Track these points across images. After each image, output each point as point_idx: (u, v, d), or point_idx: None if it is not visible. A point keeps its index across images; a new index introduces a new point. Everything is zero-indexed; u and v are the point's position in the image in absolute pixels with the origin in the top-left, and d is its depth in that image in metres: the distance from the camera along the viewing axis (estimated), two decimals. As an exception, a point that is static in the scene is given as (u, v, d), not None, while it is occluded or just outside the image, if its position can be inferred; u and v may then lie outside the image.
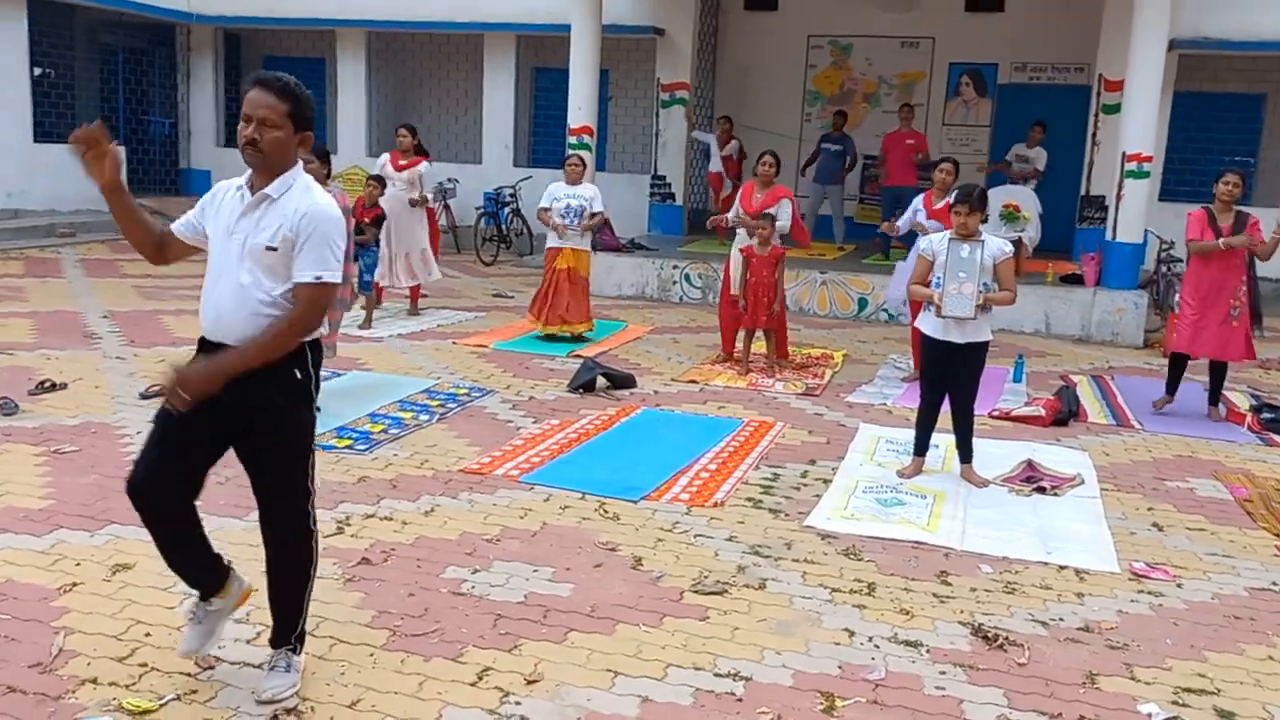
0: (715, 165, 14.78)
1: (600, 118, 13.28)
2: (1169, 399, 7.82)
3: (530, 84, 16.81)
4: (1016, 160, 13.38)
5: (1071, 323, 11.12)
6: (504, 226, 15.18)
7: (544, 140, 16.62)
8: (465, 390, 7.39)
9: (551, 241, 9.32)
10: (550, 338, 9.25)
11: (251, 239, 3.12)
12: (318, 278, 3.12)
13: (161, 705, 3.23)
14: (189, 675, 3.40)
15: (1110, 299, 10.96)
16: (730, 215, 8.88)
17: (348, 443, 5.99)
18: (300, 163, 3.25)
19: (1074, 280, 11.47)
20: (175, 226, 3.30)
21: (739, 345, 8.71)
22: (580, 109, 12.56)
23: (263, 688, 3.30)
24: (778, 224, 8.49)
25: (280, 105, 3.10)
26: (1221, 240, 7.22)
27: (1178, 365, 7.77)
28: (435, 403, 7.01)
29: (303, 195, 3.16)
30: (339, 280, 3.18)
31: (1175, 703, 3.58)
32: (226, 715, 3.20)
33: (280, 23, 16.95)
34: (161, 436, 3.20)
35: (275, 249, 3.11)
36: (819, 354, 9.35)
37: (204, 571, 3.42)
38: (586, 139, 12.52)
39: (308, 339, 3.23)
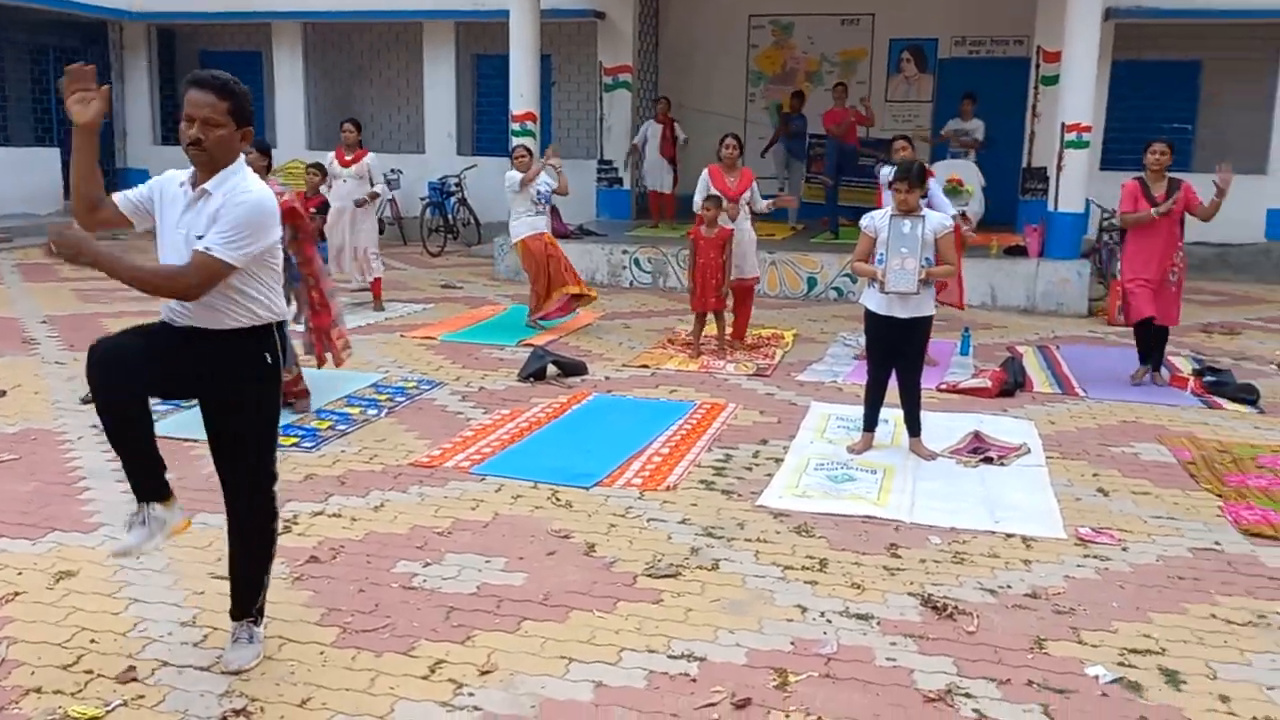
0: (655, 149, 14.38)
1: (544, 103, 13.20)
2: (1146, 369, 7.80)
3: (471, 72, 16.67)
4: (955, 135, 13.48)
5: (1016, 294, 11.25)
6: (450, 216, 15.07)
7: (488, 128, 16.50)
8: (414, 383, 7.33)
9: (541, 227, 9.33)
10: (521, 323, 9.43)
11: (192, 232, 3.20)
12: (208, 249, 3.13)
13: (108, 712, 3.18)
14: (135, 681, 3.35)
15: (1054, 269, 11.09)
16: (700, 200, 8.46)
17: (294, 440, 5.91)
18: (242, 157, 3.33)
19: (1018, 252, 11.59)
20: (117, 197, 3.32)
21: (687, 329, 8.71)
22: (522, 95, 12.50)
23: (227, 660, 3.46)
24: (757, 207, 8.62)
25: (220, 104, 3.17)
26: (1154, 209, 7.34)
27: (1143, 333, 7.75)
28: (383, 397, 6.95)
29: (237, 184, 3.22)
30: (232, 265, 3.15)
31: (1121, 664, 3.63)
32: (174, 720, 3.16)
33: (214, 17, 16.67)
34: (147, 333, 3.26)
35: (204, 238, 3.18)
36: (770, 334, 9.38)
37: (151, 474, 3.29)
38: (530, 125, 12.46)
39: (274, 321, 3.35)
